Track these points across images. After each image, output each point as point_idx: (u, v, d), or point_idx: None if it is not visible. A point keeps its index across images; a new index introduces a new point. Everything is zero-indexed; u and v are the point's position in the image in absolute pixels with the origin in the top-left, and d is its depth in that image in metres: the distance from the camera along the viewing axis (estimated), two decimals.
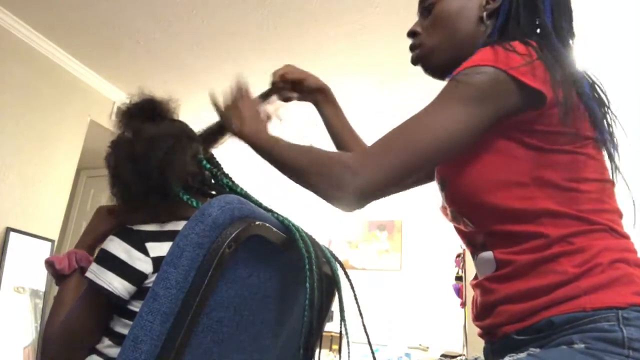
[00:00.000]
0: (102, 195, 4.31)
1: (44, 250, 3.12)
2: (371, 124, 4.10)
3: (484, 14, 0.82)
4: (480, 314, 0.76)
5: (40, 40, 3.06)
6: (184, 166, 0.95)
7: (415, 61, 0.91)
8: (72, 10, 2.77)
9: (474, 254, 0.80)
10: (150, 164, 0.93)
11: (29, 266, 2.99)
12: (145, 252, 0.89)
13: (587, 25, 2.48)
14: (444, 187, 0.80)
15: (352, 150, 1.07)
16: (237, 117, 0.92)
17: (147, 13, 2.73)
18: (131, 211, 0.99)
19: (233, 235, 0.68)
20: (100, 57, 3.24)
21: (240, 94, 0.97)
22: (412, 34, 0.91)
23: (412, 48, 0.90)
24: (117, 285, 0.85)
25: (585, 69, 0.78)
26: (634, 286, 0.65)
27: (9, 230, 2.89)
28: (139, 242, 0.89)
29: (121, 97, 3.68)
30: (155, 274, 0.86)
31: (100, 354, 0.87)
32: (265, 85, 1.09)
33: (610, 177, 0.75)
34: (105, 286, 0.84)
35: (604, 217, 0.70)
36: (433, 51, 0.87)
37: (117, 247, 0.88)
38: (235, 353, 0.78)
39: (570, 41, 0.81)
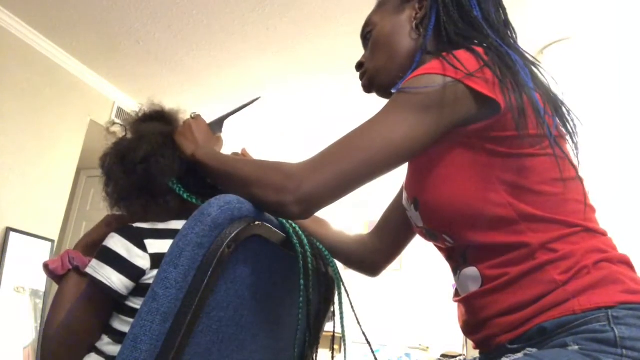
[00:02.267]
0: (102, 195, 4.30)
1: (44, 250, 3.12)
2: None
3: (414, 24, 0.84)
4: (472, 329, 0.76)
5: (40, 40, 3.06)
6: (171, 163, 0.97)
7: (366, 89, 0.92)
8: (72, 10, 2.77)
9: (456, 270, 0.79)
10: (135, 158, 0.96)
11: (29, 266, 2.99)
12: (143, 248, 0.90)
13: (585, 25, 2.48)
14: (417, 207, 0.79)
15: (351, 247, 1.03)
16: (191, 141, 0.95)
17: (147, 13, 2.73)
18: (125, 211, 1.01)
19: (233, 235, 0.68)
20: (100, 57, 3.24)
21: (193, 120, 1.01)
22: (358, 66, 0.93)
23: (360, 78, 0.92)
24: (115, 280, 0.85)
25: (535, 64, 0.78)
26: (620, 284, 0.65)
27: (9, 230, 2.90)
28: (138, 238, 0.90)
29: (121, 97, 3.68)
30: (154, 271, 0.88)
31: (99, 352, 0.88)
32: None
33: (578, 173, 0.74)
34: (104, 280, 0.85)
35: (579, 217, 0.70)
36: (377, 73, 0.88)
37: (117, 243, 0.89)
38: (235, 353, 0.78)
39: (507, 31, 0.82)
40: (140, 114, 1.09)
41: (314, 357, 0.88)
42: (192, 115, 1.03)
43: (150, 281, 0.87)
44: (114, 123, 1.16)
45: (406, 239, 1.01)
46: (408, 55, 0.84)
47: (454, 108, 0.68)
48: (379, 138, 0.70)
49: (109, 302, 0.88)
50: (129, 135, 1.04)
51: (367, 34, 0.91)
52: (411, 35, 0.85)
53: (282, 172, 0.70)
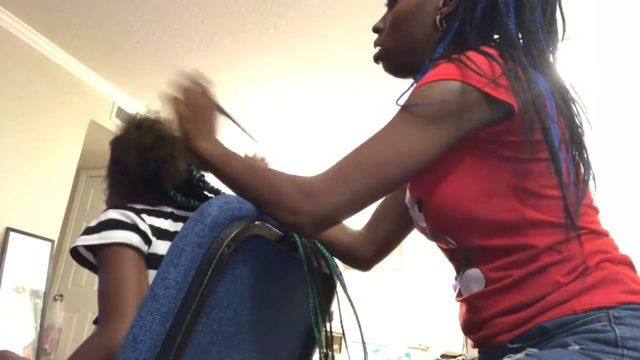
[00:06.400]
0: (102, 195, 4.30)
1: (44, 250, 3.12)
2: (372, 125, 4.10)
3: (438, 17, 0.80)
4: (472, 328, 0.75)
5: (40, 40, 3.06)
6: (179, 170, 1.03)
7: (375, 60, 0.90)
8: (72, 10, 2.77)
9: (459, 270, 0.78)
10: (153, 156, 1.01)
11: (29, 266, 2.99)
12: (141, 218, 0.93)
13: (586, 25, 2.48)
14: (421, 208, 0.78)
15: (352, 245, 0.99)
16: (190, 129, 0.79)
17: (147, 13, 2.73)
18: (117, 194, 1.07)
19: (232, 235, 0.67)
20: (100, 57, 3.24)
21: (196, 95, 0.85)
22: (376, 29, 0.89)
23: (375, 45, 0.89)
24: (133, 238, 0.87)
25: (558, 74, 0.75)
26: (621, 285, 0.65)
27: (9, 230, 2.89)
28: (134, 211, 0.94)
29: (121, 97, 3.68)
30: (158, 241, 0.91)
31: None
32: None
33: (584, 177, 0.73)
34: (123, 241, 0.85)
35: (583, 220, 0.70)
36: (390, 53, 0.87)
37: (116, 214, 0.91)
38: (235, 353, 0.78)
39: (550, 45, 0.76)
40: (145, 120, 1.14)
41: (319, 357, 0.88)
42: (202, 85, 0.87)
43: (156, 251, 0.90)
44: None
45: (400, 233, 0.98)
46: (422, 46, 0.81)
47: (470, 115, 0.66)
48: (394, 153, 0.67)
49: (139, 260, 0.88)
50: (142, 129, 1.08)
51: (391, 1, 0.87)
52: (432, 28, 0.80)
53: (297, 193, 0.67)
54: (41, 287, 3.06)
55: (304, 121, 3.86)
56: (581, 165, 0.72)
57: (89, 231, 0.91)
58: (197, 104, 0.83)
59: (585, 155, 0.72)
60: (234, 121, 0.91)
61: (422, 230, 0.84)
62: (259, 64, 3.11)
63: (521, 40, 0.74)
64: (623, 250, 0.72)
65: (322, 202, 0.67)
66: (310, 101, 3.55)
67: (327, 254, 0.92)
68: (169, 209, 1.03)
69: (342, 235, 0.99)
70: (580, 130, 0.73)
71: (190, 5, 2.63)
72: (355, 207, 0.68)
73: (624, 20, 2.43)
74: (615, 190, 3.46)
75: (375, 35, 0.90)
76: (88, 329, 3.76)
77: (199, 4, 2.61)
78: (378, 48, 0.88)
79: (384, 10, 0.91)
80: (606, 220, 0.76)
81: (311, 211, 0.67)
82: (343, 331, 0.87)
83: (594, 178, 0.73)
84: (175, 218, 1.02)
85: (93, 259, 0.92)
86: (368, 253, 0.98)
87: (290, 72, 3.18)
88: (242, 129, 0.95)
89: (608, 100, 3.10)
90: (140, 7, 2.68)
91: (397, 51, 0.85)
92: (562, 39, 0.79)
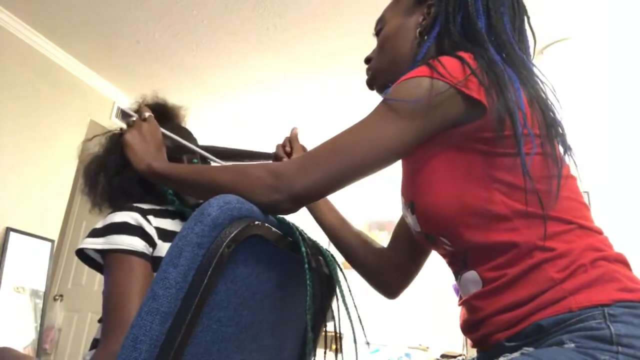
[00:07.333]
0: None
1: (44, 250, 3.12)
2: None
3: (418, 31, 0.85)
4: (471, 327, 0.76)
5: (40, 40, 3.06)
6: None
7: (369, 86, 0.94)
8: (72, 10, 2.77)
9: (457, 274, 0.80)
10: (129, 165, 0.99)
11: (29, 266, 2.99)
12: (147, 220, 0.92)
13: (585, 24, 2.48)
14: (413, 211, 0.80)
15: (360, 253, 1.02)
16: (145, 152, 0.94)
17: (147, 13, 2.73)
18: (117, 195, 1.06)
19: (232, 235, 0.67)
20: (100, 57, 3.24)
21: (146, 124, 1.00)
22: (366, 60, 0.95)
23: (366, 74, 0.95)
24: (137, 243, 0.85)
25: (531, 70, 0.78)
26: (617, 282, 0.65)
27: (9, 230, 2.90)
28: (140, 212, 0.92)
29: (121, 97, 3.68)
30: (164, 244, 0.91)
31: None
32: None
33: (570, 172, 0.75)
34: (128, 248, 0.84)
35: (573, 215, 0.71)
36: (379, 73, 0.91)
37: (122, 216, 0.90)
38: (235, 353, 0.78)
39: (518, 43, 0.80)
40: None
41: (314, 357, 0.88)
42: (144, 116, 1.02)
43: (161, 254, 0.90)
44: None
45: (422, 252, 0.99)
46: (408, 63, 0.85)
47: (441, 111, 0.70)
48: (367, 141, 0.72)
49: (145, 266, 0.88)
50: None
51: (378, 31, 0.92)
52: (413, 43, 0.86)
53: (269, 172, 0.72)
54: (41, 287, 3.06)
55: (303, 121, 3.86)
56: (565, 155, 0.75)
57: (95, 233, 0.90)
58: (143, 133, 0.97)
59: (567, 145, 0.75)
60: (178, 139, 1.05)
61: (419, 237, 0.85)
62: (259, 64, 3.11)
63: (494, 42, 0.78)
64: (617, 249, 0.72)
65: (296, 179, 0.71)
66: (310, 101, 3.55)
67: (327, 253, 0.92)
68: (171, 207, 1.03)
69: (370, 255, 1.01)
70: (557, 121, 0.75)
71: (190, 5, 2.63)
72: (328, 187, 0.72)
73: (622, 21, 2.43)
74: (612, 190, 3.46)
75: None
76: (88, 329, 3.76)
77: (199, 4, 2.61)
78: (368, 75, 0.93)
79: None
80: (604, 220, 0.76)
81: (286, 187, 0.71)
82: (341, 331, 0.87)
83: (574, 164, 0.76)
84: (183, 217, 1.02)
85: (101, 259, 0.92)
86: (397, 278, 1.00)
87: (290, 72, 3.18)
88: (186, 145, 1.07)
89: (606, 100, 3.10)
90: (140, 7, 2.68)
91: (386, 69, 0.90)
92: (534, 53, 0.84)
